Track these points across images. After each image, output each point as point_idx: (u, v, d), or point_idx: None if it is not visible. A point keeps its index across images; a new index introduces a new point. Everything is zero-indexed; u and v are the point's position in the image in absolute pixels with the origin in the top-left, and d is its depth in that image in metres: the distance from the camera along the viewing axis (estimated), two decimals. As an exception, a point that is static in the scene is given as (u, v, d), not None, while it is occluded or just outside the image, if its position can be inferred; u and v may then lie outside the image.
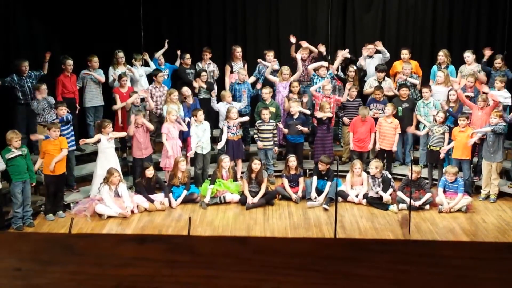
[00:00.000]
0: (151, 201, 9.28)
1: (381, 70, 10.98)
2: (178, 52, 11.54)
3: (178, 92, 10.39)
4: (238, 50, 11.53)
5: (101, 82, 10.79)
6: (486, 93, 9.87)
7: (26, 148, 8.64)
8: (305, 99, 10.74)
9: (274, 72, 11.21)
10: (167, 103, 10.23)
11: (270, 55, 11.37)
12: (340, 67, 11.45)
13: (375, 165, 9.44)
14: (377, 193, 9.43)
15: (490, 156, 9.48)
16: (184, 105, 10.45)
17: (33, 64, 10.15)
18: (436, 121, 9.94)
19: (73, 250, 1.24)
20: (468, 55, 10.92)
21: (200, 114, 9.96)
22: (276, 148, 10.44)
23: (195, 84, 10.96)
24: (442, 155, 9.83)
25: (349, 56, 11.36)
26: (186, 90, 10.52)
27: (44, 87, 9.61)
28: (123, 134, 10.00)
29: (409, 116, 10.59)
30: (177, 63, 11.57)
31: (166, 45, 11.39)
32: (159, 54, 11.34)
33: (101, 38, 11.41)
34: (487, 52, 10.68)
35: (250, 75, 11.55)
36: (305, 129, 10.39)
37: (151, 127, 9.93)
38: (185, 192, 9.58)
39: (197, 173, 10.11)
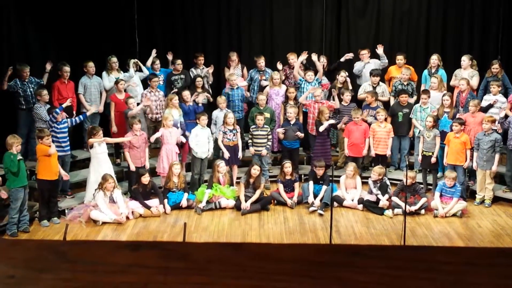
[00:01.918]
0: (148, 207, 9.26)
1: (375, 75, 11.00)
2: (169, 57, 11.54)
3: (178, 97, 10.42)
4: (233, 58, 11.53)
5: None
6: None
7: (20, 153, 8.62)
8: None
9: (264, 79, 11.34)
10: (168, 107, 10.26)
11: (261, 62, 11.41)
12: (327, 71, 11.51)
13: (378, 172, 9.44)
14: (376, 195, 9.42)
15: (483, 164, 9.50)
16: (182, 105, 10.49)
17: (30, 70, 10.13)
18: (426, 126, 9.97)
19: (67, 257, 1.23)
20: (464, 60, 10.95)
21: (204, 119, 9.98)
22: (264, 151, 10.27)
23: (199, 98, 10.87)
24: (433, 160, 9.85)
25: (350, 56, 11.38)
26: (187, 95, 10.52)
27: (45, 92, 9.65)
28: (117, 140, 10.00)
29: (409, 121, 10.63)
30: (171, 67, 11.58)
31: (154, 53, 11.31)
32: (149, 63, 11.31)
33: (96, 44, 11.41)
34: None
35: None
36: (301, 135, 10.39)
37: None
38: (186, 195, 9.56)
39: (194, 178, 10.10)
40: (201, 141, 9.99)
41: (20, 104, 9.91)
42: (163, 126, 9.88)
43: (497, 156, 9.47)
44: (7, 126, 9.62)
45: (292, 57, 11.34)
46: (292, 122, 10.34)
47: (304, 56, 11.07)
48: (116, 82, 10.53)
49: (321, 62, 11.20)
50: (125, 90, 10.74)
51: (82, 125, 10.71)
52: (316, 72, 11.07)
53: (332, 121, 10.24)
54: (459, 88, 10.64)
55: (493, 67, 10.65)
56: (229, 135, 10.14)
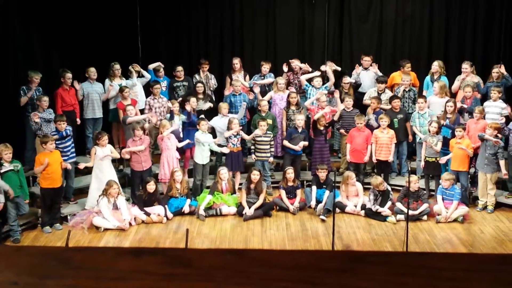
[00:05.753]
0: (147, 214, 9.24)
1: (381, 82, 11.00)
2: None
3: (178, 104, 10.42)
4: (235, 62, 11.53)
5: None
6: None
7: (19, 163, 8.58)
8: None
9: (269, 85, 11.31)
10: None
11: (266, 66, 11.40)
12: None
13: (375, 183, 9.41)
14: (376, 210, 9.39)
15: (483, 166, 9.47)
16: (185, 113, 10.46)
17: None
18: (430, 132, 9.95)
19: (70, 263, 1.24)
20: (466, 67, 10.92)
21: (204, 124, 9.97)
22: (271, 158, 10.38)
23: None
24: (443, 160, 9.76)
25: (338, 68, 11.34)
26: (193, 101, 10.51)
27: (45, 99, 9.59)
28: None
29: (404, 127, 10.62)
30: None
31: (160, 64, 11.37)
32: (152, 67, 11.33)
33: (99, 50, 11.43)
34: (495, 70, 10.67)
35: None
36: (306, 143, 10.37)
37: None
38: (188, 201, 9.56)
39: (196, 184, 10.08)
40: (202, 146, 9.98)
41: (27, 112, 9.87)
42: (160, 133, 9.83)
43: (502, 162, 9.40)
44: (16, 133, 9.63)
45: (296, 63, 11.33)
46: (300, 130, 10.31)
47: (309, 69, 11.09)
48: (121, 90, 10.50)
49: (330, 68, 11.23)
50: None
51: (84, 131, 10.72)
52: (324, 78, 11.08)
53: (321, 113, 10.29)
54: (461, 94, 10.62)
55: (494, 72, 10.63)
56: (233, 140, 10.13)
